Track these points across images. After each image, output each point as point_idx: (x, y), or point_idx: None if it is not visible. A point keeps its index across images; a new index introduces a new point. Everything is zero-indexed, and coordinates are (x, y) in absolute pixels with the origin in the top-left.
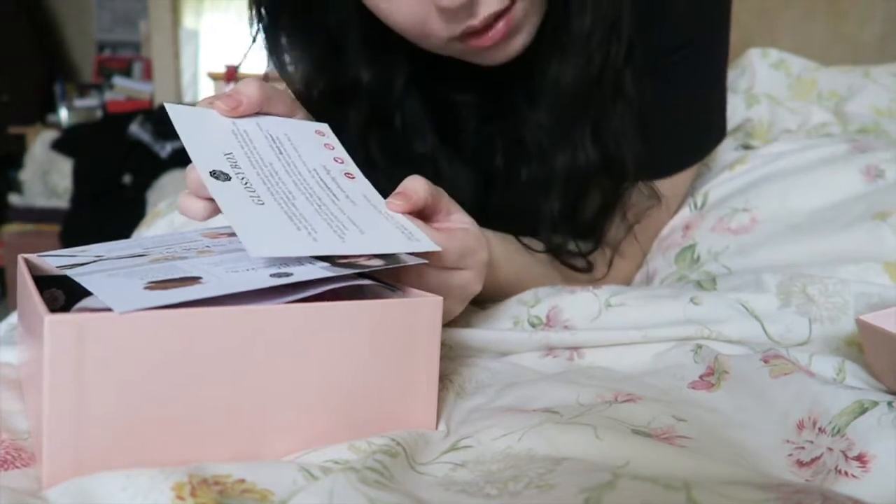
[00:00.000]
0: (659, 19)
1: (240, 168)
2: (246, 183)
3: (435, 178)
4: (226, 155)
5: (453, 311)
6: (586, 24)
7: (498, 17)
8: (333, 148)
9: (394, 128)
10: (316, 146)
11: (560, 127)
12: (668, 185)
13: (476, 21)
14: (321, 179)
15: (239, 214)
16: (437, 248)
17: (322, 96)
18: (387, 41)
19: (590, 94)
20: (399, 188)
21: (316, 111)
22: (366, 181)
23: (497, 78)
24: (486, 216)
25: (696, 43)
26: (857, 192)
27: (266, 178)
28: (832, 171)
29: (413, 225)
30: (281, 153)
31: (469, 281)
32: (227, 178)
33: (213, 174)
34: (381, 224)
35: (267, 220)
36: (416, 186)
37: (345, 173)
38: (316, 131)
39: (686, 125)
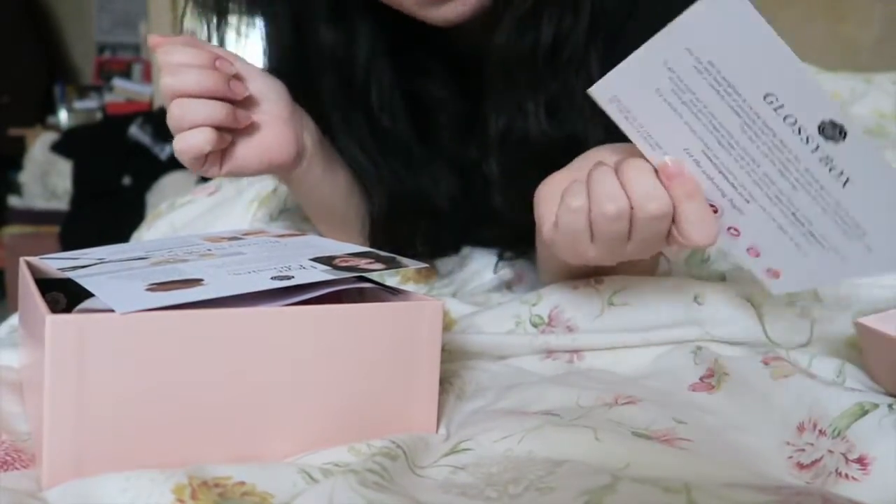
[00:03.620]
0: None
1: None
2: None
3: (408, 163)
4: None
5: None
6: None
7: None
8: None
9: (369, 108)
10: None
11: (506, 96)
12: None
13: None
14: None
15: None
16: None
17: (293, 73)
18: (347, 3)
19: (536, 64)
20: None
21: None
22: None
23: (465, 64)
24: (467, 213)
25: None
26: None
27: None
28: None
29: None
30: None
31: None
32: None
33: None
34: None
35: None
36: None
37: None
38: None
39: None
